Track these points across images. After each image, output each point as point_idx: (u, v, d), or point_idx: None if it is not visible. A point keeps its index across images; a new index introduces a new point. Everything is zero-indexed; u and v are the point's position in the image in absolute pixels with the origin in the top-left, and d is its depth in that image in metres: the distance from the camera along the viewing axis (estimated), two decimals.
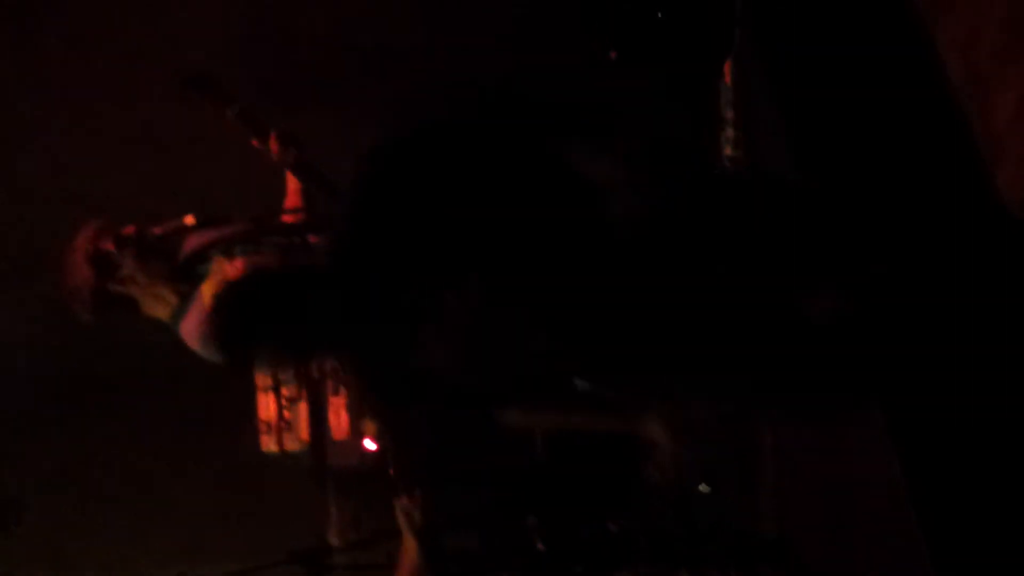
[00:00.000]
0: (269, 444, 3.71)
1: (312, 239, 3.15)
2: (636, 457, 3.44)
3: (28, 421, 4.56)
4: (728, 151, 2.94)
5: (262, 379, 3.67)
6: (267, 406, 3.73)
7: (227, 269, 3.11)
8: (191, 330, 3.10)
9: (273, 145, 2.98)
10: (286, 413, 3.72)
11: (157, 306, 3.15)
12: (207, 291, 3.10)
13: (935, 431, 2.55)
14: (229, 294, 2.16)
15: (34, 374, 4.53)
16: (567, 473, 3.26)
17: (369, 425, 3.51)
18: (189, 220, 3.00)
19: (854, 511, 2.86)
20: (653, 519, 3.13)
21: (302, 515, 3.84)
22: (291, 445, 3.73)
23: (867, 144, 2.71)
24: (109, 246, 3.02)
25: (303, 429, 3.70)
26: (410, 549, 2.70)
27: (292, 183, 3.36)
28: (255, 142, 3.06)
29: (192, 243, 3.17)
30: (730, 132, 2.94)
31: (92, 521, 4.52)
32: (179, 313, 3.12)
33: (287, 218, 3.23)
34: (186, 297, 3.12)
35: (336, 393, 3.70)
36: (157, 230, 3.02)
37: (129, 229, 3.05)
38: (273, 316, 2.03)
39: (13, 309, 4.40)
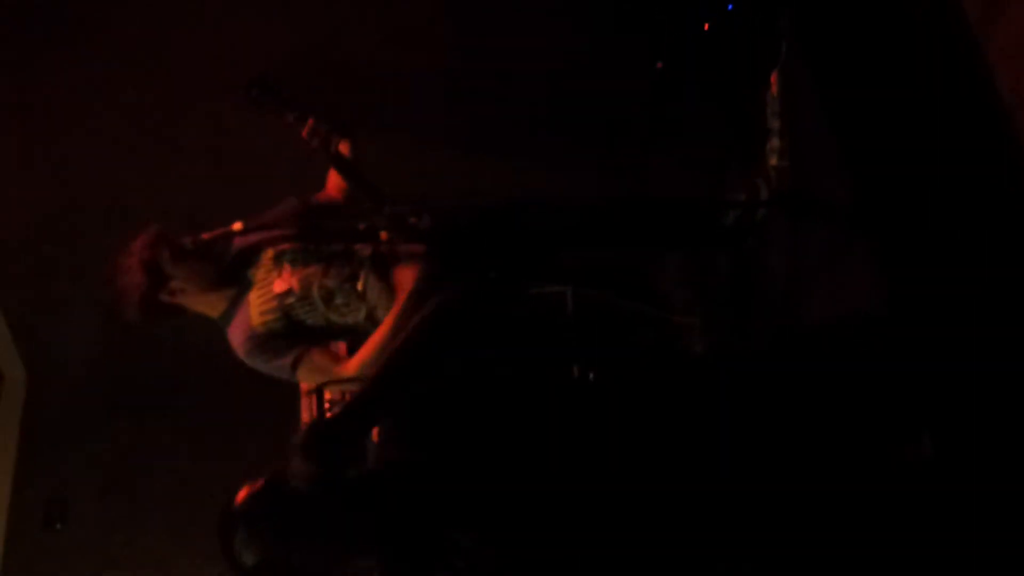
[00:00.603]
0: None
1: (356, 246, 3.17)
2: None
3: (75, 422, 4.62)
4: (773, 162, 2.93)
5: (306, 384, 3.69)
6: (310, 409, 3.75)
7: (275, 280, 3.15)
8: (236, 340, 3.15)
9: (309, 132, 3.00)
10: (328, 416, 3.74)
11: (207, 308, 3.21)
12: (254, 303, 3.15)
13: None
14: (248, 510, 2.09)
15: (81, 375, 4.59)
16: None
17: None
18: (238, 226, 3.02)
19: None
20: None
21: None
22: None
23: (916, 154, 2.70)
24: (165, 256, 3.07)
25: None
26: None
27: (334, 180, 3.39)
28: (308, 140, 3.08)
29: (240, 246, 3.20)
30: (775, 142, 2.93)
31: (136, 521, 4.57)
32: (228, 316, 3.17)
33: (330, 209, 3.26)
34: (235, 301, 3.17)
35: None
36: (206, 235, 3.04)
37: (185, 239, 3.08)
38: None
39: (63, 311, 4.46)
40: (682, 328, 3.31)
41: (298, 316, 3.12)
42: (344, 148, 3.21)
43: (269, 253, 3.19)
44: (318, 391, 3.74)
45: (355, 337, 3.13)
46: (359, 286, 3.12)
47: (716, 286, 3.49)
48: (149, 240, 3.08)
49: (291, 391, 3.79)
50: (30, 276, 4.44)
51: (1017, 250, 2.61)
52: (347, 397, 3.83)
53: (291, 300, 3.11)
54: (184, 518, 4.42)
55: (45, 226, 4.28)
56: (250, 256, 3.20)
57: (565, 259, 3.25)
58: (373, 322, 3.11)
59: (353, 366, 2.99)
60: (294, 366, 3.07)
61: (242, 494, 2.08)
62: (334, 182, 3.41)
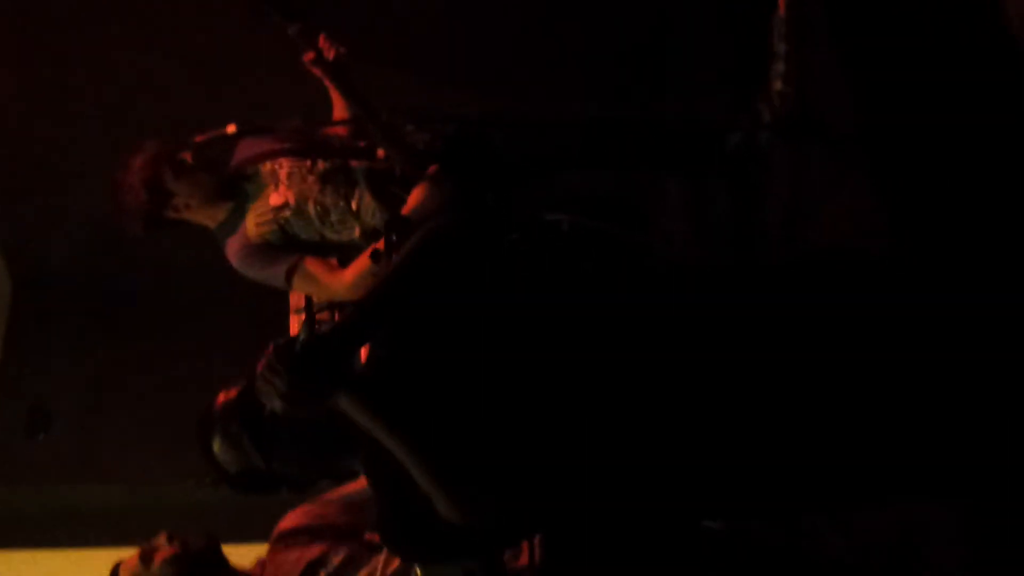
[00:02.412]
0: None
1: (353, 162, 3.15)
2: None
3: (60, 334, 4.61)
4: (778, 86, 2.89)
5: (295, 300, 3.68)
6: (299, 328, 3.73)
7: (271, 193, 3.15)
8: (232, 249, 3.16)
9: (321, 53, 2.95)
10: None
11: (206, 219, 3.20)
12: (251, 215, 3.15)
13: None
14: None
15: (70, 286, 4.57)
16: None
17: None
18: (231, 129, 2.99)
19: None
20: None
21: None
22: None
23: (927, 86, 2.66)
24: (167, 173, 3.06)
25: None
26: None
27: (338, 102, 3.35)
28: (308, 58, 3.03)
29: (240, 158, 3.19)
30: (780, 66, 2.89)
31: (120, 432, 4.58)
32: (225, 229, 3.17)
33: (331, 131, 3.23)
34: (233, 213, 3.16)
35: None
36: (199, 138, 3.01)
37: (186, 155, 3.06)
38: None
39: (52, 222, 4.43)
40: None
41: (293, 230, 3.14)
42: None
43: (267, 167, 3.17)
44: (308, 308, 3.72)
45: (349, 253, 3.12)
46: (353, 205, 3.12)
47: (716, 219, 3.47)
48: (150, 157, 3.07)
49: (279, 308, 3.76)
50: (17, 189, 4.39)
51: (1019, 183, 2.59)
52: (336, 316, 3.83)
53: (287, 213, 3.12)
54: (168, 432, 4.39)
55: (33, 138, 4.23)
56: (248, 169, 3.19)
57: (563, 189, 3.23)
58: (367, 240, 3.10)
59: (348, 277, 3.01)
60: (289, 274, 3.08)
61: (220, 399, 2.03)
62: (338, 107, 3.37)
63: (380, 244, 2.83)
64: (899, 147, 2.78)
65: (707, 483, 1.87)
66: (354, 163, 3.16)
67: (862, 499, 2.03)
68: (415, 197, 3.01)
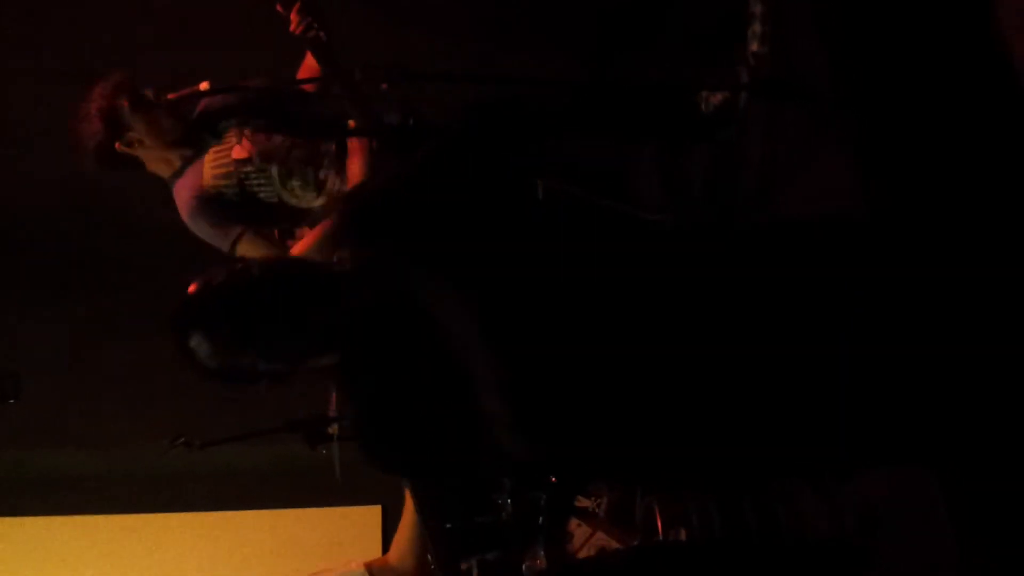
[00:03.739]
0: None
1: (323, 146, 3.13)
2: None
3: (28, 295, 4.55)
4: (755, 47, 2.87)
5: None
6: None
7: (234, 146, 3.10)
8: (183, 197, 3.12)
9: (295, 16, 2.92)
10: None
11: (160, 166, 3.17)
12: (208, 163, 3.11)
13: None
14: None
15: (37, 246, 4.51)
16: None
17: None
18: (204, 86, 2.97)
19: None
20: None
21: (303, 392, 3.84)
22: None
23: (906, 48, 2.65)
24: (123, 103, 3.02)
25: None
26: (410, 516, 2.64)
27: (309, 59, 3.32)
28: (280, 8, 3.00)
29: (204, 108, 3.15)
30: (757, 27, 2.87)
31: (90, 396, 4.53)
32: (178, 175, 3.14)
33: (299, 87, 3.21)
34: (190, 162, 3.13)
35: None
36: (172, 95, 2.99)
37: (146, 91, 3.05)
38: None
39: (19, 179, 4.36)
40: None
41: (252, 187, 3.10)
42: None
43: (233, 120, 3.14)
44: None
45: (303, 218, 3.11)
46: (320, 175, 3.10)
47: (691, 183, 3.45)
48: (109, 88, 3.04)
49: None
50: None
51: (1000, 148, 2.58)
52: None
53: (248, 169, 3.08)
54: (138, 393, 4.39)
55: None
56: (212, 120, 3.16)
57: (536, 153, 3.21)
58: (325, 212, 3.10)
59: (295, 252, 2.99)
60: (235, 240, 3.06)
61: (194, 290, 1.96)
62: (308, 64, 3.33)
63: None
64: (876, 110, 2.76)
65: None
66: (323, 145, 3.14)
67: (847, 466, 2.03)
68: (362, 168, 2.99)
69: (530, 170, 3.04)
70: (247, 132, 3.11)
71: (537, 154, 3.17)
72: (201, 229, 3.11)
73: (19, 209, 4.47)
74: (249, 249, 3.06)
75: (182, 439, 3.25)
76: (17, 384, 4.54)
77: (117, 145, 3.07)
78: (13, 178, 4.39)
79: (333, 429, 3.18)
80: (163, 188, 3.26)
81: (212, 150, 3.12)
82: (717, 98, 2.97)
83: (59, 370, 4.52)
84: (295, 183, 3.10)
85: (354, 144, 3.06)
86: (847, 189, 2.81)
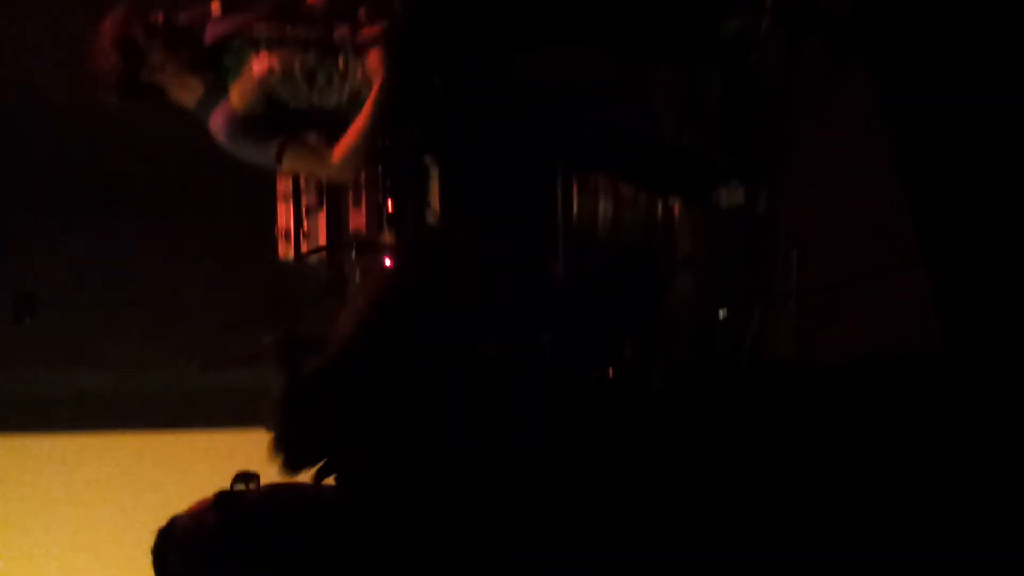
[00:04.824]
0: (287, 252, 3.71)
1: (336, 32, 3.11)
2: (655, 281, 3.44)
3: (47, 216, 4.56)
4: None
5: (283, 187, 3.66)
6: (287, 214, 3.71)
7: (253, 64, 3.11)
8: (218, 124, 3.12)
9: None
10: (305, 222, 3.71)
11: (183, 93, 3.15)
12: (235, 88, 3.11)
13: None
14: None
15: (55, 169, 4.51)
16: (586, 293, 3.24)
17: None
18: (215, 7, 2.96)
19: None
20: (671, 345, 3.12)
21: (317, 322, 3.86)
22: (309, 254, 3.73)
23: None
24: (138, 33, 3.00)
25: (321, 238, 3.69)
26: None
27: None
28: None
29: (218, 30, 3.14)
30: None
31: (105, 317, 4.55)
32: (207, 104, 3.13)
33: (311, 3, 3.19)
34: (213, 87, 3.12)
35: (357, 204, 3.69)
36: (184, 16, 2.97)
37: (157, 17, 3.03)
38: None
39: (33, 101, 4.34)
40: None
41: (280, 97, 3.11)
42: None
43: (246, 37, 3.13)
44: (295, 195, 3.71)
45: (339, 123, 3.11)
46: (340, 64, 3.11)
47: (708, 109, 3.43)
48: (119, 18, 3.02)
49: (266, 195, 3.72)
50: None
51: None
52: (324, 203, 3.80)
53: (272, 80, 3.09)
54: (153, 314, 4.42)
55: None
56: (226, 42, 3.14)
57: (550, 64, 3.20)
58: (356, 104, 3.12)
59: (337, 153, 3.07)
60: (279, 152, 3.09)
61: (181, 523, 1.80)
62: None
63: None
64: (900, 41, 2.73)
65: None
66: (337, 31, 3.14)
67: None
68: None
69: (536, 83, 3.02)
70: (263, 47, 3.11)
71: (544, 63, 3.15)
72: (244, 151, 3.12)
73: (34, 132, 4.47)
74: (295, 162, 3.13)
75: (197, 359, 3.27)
76: (32, 304, 4.58)
77: (140, 75, 3.06)
78: (27, 101, 4.38)
79: None
80: (179, 112, 3.24)
81: (234, 77, 3.11)
82: (738, 21, 2.94)
83: (74, 290, 4.55)
84: (320, 80, 3.11)
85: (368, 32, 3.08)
86: (868, 118, 2.78)
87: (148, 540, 1.77)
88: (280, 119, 3.10)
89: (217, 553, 1.74)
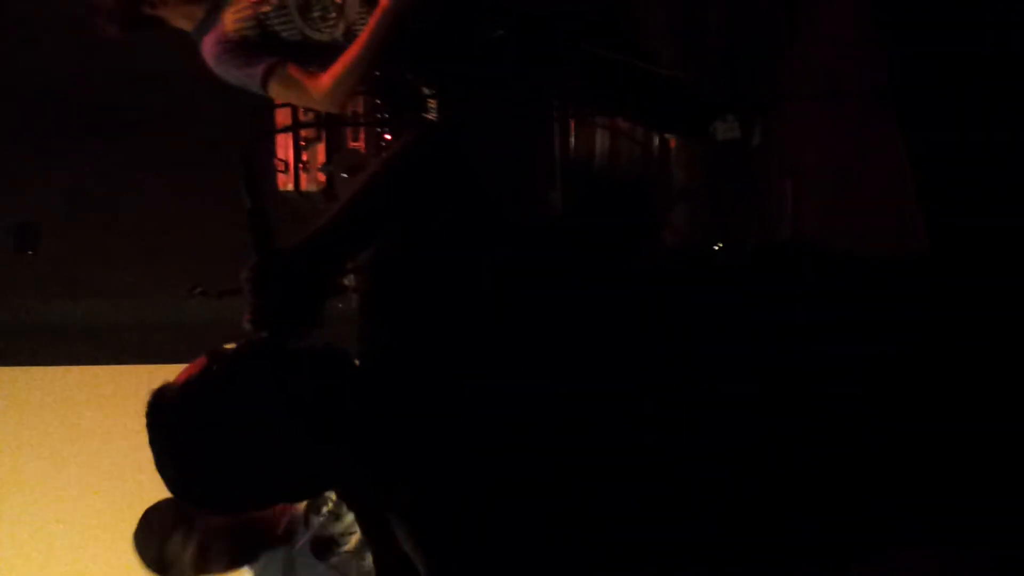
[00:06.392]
0: (286, 183, 3.72)
1: None
2: (653, 213, 3.48)
3: (47, 146, 4.55)
4: None
5: (281, 118, 3.65)
6: (285, 146, 3.72)
7: None
8: (208, 47, 3.10)
9: None
10: (304, 154, 3.72)
11: (183, 21, 3.14)
12: (229, 12, 3.09)
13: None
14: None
15: (52, 99, 4.50)
16: (583, 226, 3.27)
17: None
18: None
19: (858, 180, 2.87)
20: None
21: None
22: (308, 185, 3.75)
23: None
24: None
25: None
26: None
27: None
28: None
29: None
30: None
31: (108, 247, 4.58)
32: (202, 28, 3.11)
33: None
34: (209, 13, 3.10)
35: (355, 138, 3.70)
36: None
37: None
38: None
39: (29, 29, 4.33)
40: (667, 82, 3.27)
41: (273, 27, 3.07)
42: None
43: None
44: (294, 127, 3.70)
45: (331, 56, 3.07)
46: None
47: (705, 41, 3.43)
48: None
49: (260, 121, 3.73)
50: None
51: None
52: (322, 136, 3.81)
53: (267, 9, 3.06)
54: (156, 245, 4.43)
55: None
56: None
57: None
58: (350, 40, 3.06)
59: (326, 82, 2.99)
60: (266, 76, 3.02)
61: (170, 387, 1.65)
62: None
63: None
64: None
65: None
66: None
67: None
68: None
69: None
70: None
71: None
72: (229, 74, 3.08)
73: (30, 62, 4.45)
74: (281, 89, 3.04)
75: (199, 288, 3.27)
76: (35, 236, 4.60)
77: (143, 7, 3.05)
78: (26, 25, 4.36)
79: (348, 281, 3.22)
80: (176, 38, 3.24)
81: (230, 6, 3.09)
82: None
83: (75, 222, 4.56)
84: (315, 13, 3.08)
85: None
86: (859, 44, 2.78)
87: (149, 468, 1.70)
88: (271, 48, 3.06)
89: (218, 400, 1.59)
